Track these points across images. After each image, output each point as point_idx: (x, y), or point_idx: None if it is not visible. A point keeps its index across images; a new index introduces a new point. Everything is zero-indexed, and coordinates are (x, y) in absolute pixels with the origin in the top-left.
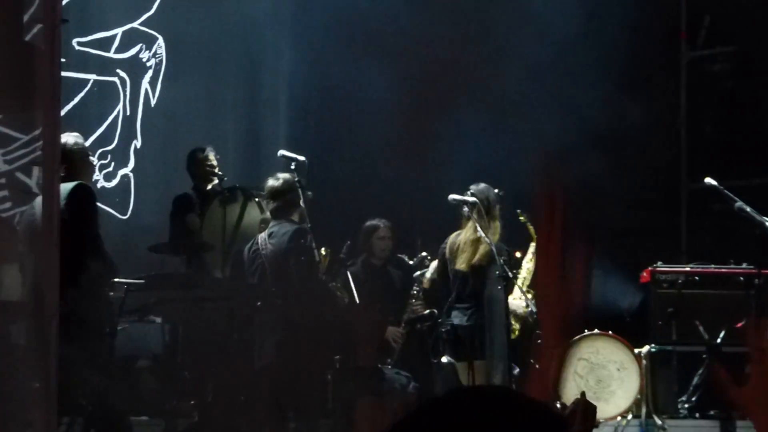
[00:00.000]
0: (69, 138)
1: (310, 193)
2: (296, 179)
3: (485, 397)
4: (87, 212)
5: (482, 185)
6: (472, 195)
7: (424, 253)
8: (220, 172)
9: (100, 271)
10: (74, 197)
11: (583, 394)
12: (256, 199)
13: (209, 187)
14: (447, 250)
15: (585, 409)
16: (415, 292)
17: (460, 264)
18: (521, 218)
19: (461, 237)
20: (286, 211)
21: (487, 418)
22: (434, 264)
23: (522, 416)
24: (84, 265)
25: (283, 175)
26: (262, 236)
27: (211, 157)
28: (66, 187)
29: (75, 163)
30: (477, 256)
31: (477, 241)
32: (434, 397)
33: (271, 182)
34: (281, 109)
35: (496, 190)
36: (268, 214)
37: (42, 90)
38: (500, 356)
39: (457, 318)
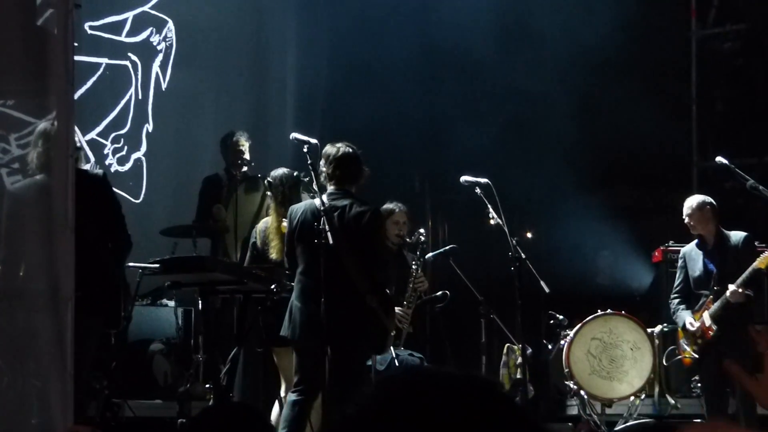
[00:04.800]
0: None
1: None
2: (309, 162)
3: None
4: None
5: (280, 170)
6: (268, 182)
7: (421, 230)
8: (247, 158)
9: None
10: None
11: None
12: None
13: (238, 172)
14: (258, 239)
15: None
16: (414, 269)
17: (274, 253)
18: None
19: (269, 225)
20: (348, 182)
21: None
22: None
23: (454, 388)
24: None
25: (346, 143)
26: (318, 203)
27: (242, 142)
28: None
29: None
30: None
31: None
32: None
33: (338, 148)
34: (290, 92)
35: (296, 173)
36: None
37: (55, 75)
38: None
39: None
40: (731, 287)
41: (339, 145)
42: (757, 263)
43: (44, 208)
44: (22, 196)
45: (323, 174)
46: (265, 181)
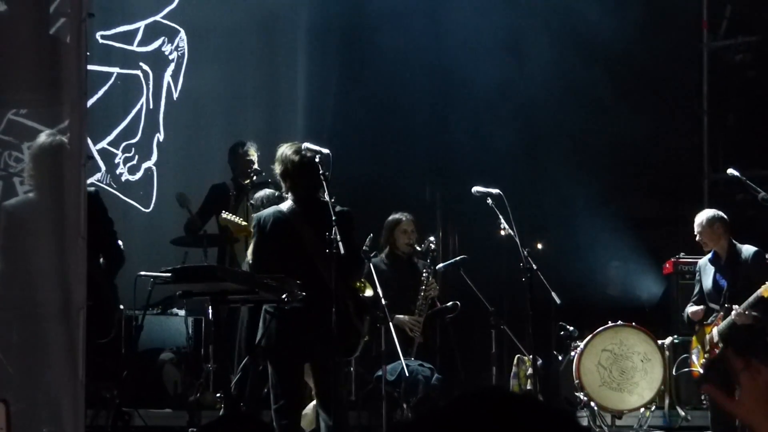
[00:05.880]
0: None
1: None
2: (321, 172)
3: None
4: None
5: (262, 191)
6: (251, 204)
7: (431, 238)
8: (257, 168)
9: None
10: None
11: None
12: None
13: (247, 181)
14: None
15: None
16: (424, 276)
17: None
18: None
19: None
20: (314, 188)
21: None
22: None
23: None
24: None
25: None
26: (285, 208)
27: (251, 152)
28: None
29: None
30: None
31: None
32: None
33: (302, 155)
34: (300, 101)
35: (277, 193)
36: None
37: (68, 83)
38: None
39: None
40: (737, 309)
41: (303, 150)
42: (762, 291)
43: (55, 217)
44: (27, 210)
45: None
46: (249, 203)
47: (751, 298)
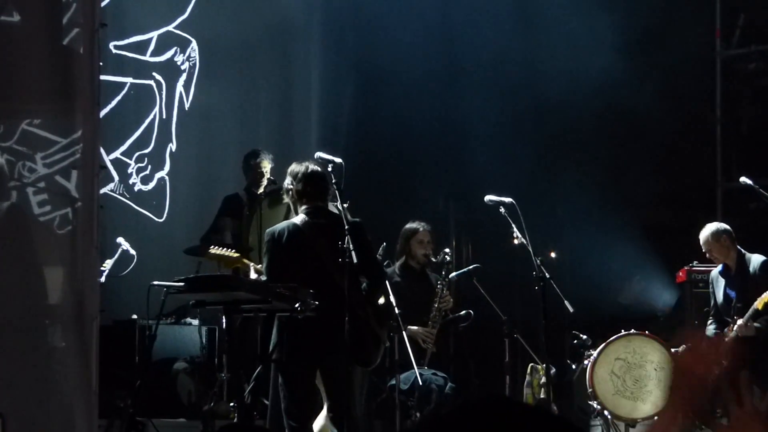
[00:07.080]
0: None
1: (346, 204)
2: (333, 181)
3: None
4: None
5: None
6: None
7: (447, 250)
8: (271, 177)
9: None
10: None
11: None
12: None
13: (260, 190)
14: None
15: None
16: (439, 288)
17: None
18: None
19: None
20: (320, 198)
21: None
22: None
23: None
24: None
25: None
26: (298, 220)
27: (264, 162)
28: None
29: None
30: None
31: None
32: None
33: (306, 166)
34: (314, 111)
35: None
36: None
37: (81, 93)
38: None
39: None
40: (739, 321)
41: (306, 162)
42: (757, 304)
43: (70, 227)
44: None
45: (291, 192)
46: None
47: (750, 311)
